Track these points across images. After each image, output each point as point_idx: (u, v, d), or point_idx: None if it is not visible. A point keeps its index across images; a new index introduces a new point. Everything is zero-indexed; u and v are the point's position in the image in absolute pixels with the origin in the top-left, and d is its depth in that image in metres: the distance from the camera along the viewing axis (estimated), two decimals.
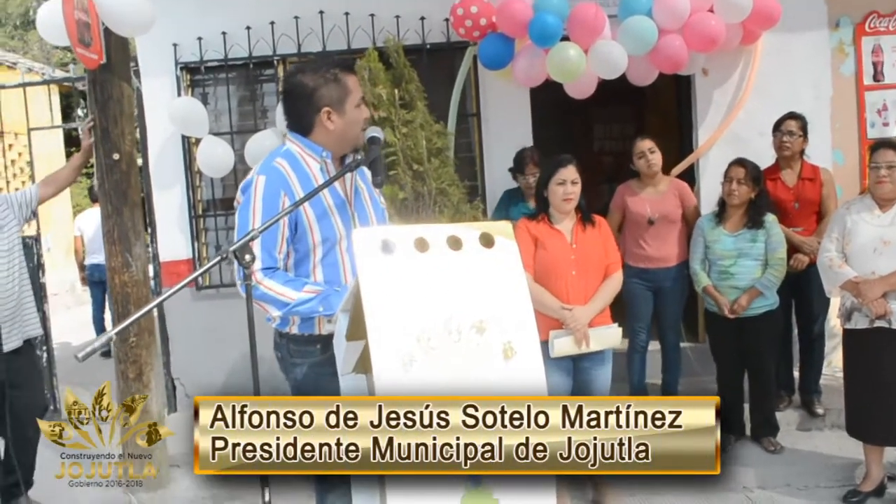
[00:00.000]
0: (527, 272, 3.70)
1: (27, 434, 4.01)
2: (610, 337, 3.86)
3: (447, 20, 5.28)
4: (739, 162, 4.52)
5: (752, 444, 4.69)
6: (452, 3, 5.02)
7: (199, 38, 5.52)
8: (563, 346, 3.75)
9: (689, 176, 5.61)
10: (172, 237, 5.75)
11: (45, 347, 5.90)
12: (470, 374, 1.91)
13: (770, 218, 4.49)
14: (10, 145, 10.56)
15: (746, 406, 4.75)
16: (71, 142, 12.58)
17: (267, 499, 2.10)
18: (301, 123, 2.63)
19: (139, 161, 5.58)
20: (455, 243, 2.02)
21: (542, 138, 5.67)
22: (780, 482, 4.26)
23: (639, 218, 4.85)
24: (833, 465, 4.40)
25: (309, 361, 2.64)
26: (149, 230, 5.81)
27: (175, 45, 5.54)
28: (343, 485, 2.30)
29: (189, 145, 5.72)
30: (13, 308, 4.04)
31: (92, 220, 7.93)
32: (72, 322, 9.04)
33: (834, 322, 4.76)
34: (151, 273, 5.35)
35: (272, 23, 5.44)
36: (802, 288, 4.77)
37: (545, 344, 3.77)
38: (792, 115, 4.81)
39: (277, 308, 2.51)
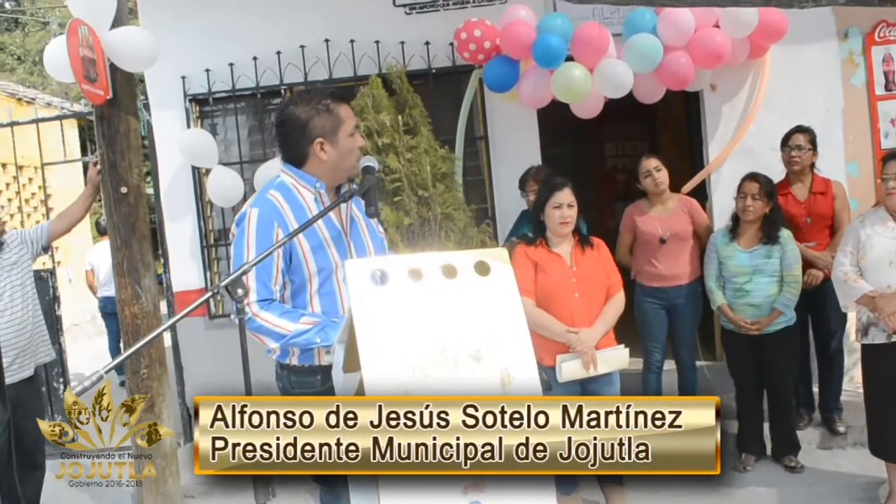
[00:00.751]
0: (528, 297, 3.74)
1: (35, 461, 4.11)
2: (617, 358, 3.82)
3: (452, 44, 5.29)
4: (753, 177, 4.46)
5: (772, 464, 4.60)
6: (456, 28, 5.03)
7: (207, 70, 5.58)
8: (572, 369, 3.71)
9: (701, 192, 5.56)
10: (185, 267, 5.79)
11: (61, 379, 5.96)
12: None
13: (785, 234, 4.42)
14: (31, 179, 10.90)
15: (766, 425, 4.67)
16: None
17: (265, 499, 2.12)
18: (294, 155, 2.64)
19: (150, 192, 5.65)
20: (450, 272, 1.99)
21: (552, 158, 5.67)
22: (802, 503, 4.18)
23: (650, 237, 4.80)
24: (856, 484, 4.30)
25: (309, 392, 2.63)
26: (161, 260, 5.85)
27: (183, 77, 5.61)
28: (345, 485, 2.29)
29: (199, 176, 5.77)
30: (28, 338, 4.20)
31: (101, 253, 8.01)
32: (93, 352, 9.18)
33: (853, 337, 4.68)
34: (165, 304, 5.39)
35: (278, 52, 5.49)
36: (818, 304, 4.69)
37: (552, 369, 3.74)
38: (800, 129, 4.76)
39: (275, 340, 2.51)
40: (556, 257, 3.86)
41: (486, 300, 2.00)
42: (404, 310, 1.94)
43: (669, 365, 5.04)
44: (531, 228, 4.11)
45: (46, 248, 4.57)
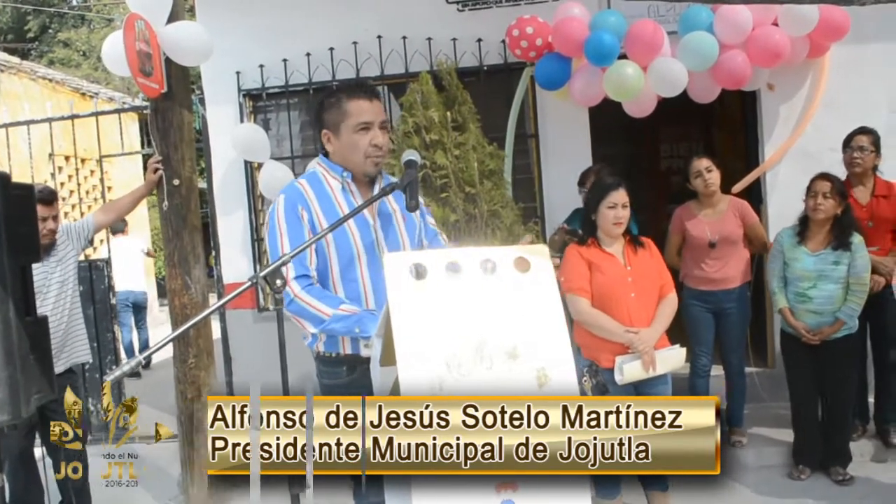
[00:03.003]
0: (584, 297, 3.73)
1: (61, 456, 4.05)
2: (675, 358, 3.75)
3: (504, 41, 5.26)
4: (824, 176, 4.28)
5: (820, 475, 4.48)
6: (508, 25, 5.01)
7: (261, 66, 5.66)
8: (632, 371, 3.65)
9: (756, 195, 5.45)
10: (235, 260, 5.87)
11: (114, 367, 6.07)
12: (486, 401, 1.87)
13: (857, 239, 4.23)
14: (92, 171, 11.19)
15: None
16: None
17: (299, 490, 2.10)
18: (320, 145, 2.77)
19: (203, 186, 5.72)
20: (489, 267, 1.98)
21: (604, 158, 5.59)
22: None
23: (699, 241, 4.70)
24: None
25: (337, 382, 2.65)
26: (213, 253, 5.98)
27: (238, 72, 5.70)
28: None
29: (251, 170, 5.86)
30: (61, 337, 4.10)
31: (116, 250, 7.99)
32: (151, 341, 9.32)
33: None
34: (216, 296, 5.47)
35: (331, 49, 5.54)
36: (878, 311, 4.54)
37: (609, 371, 3.70)
38: (863, 130, 4.61)
39: (314, 324, 2.53)
40: (609, 257, 3.80)
41: (525, 297, 1.97)
42: (442, 305, 1.93)
43: (718, 371, 4.94)
44: (581, 226, 4.06)
45: (91, 241, 4.57)
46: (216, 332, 5.23)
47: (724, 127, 7.70)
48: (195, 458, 4.63)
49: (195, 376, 4.57)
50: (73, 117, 6.16)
